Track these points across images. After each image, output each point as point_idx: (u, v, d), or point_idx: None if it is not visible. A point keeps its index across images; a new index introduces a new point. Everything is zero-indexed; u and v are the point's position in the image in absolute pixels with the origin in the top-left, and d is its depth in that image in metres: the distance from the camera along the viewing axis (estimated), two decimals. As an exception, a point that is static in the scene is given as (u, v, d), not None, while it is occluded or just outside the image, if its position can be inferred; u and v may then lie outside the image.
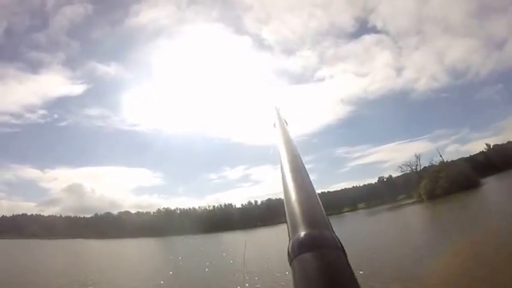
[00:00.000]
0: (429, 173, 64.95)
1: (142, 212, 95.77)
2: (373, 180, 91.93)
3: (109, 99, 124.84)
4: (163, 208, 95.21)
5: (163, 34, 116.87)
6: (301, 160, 0.89)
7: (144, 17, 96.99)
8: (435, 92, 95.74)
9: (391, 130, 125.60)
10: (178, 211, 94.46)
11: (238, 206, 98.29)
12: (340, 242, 0.57)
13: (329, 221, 0.63)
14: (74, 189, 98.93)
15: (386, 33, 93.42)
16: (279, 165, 0.75)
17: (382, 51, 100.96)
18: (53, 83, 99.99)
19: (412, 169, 72.74)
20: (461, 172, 59.09)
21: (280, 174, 0.84)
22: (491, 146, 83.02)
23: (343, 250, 0.57)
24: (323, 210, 0.67)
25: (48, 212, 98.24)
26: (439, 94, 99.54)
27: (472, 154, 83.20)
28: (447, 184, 56.98)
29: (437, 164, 68.34)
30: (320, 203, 0.70)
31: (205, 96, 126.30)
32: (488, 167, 68.68)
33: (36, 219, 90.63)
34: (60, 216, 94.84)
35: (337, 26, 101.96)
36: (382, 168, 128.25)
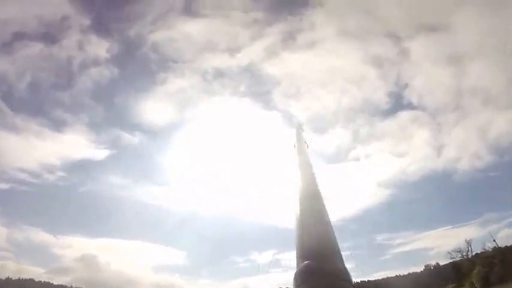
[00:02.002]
0: (482, 259, 59.16)
1: None
2: (419, 268, 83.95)
3: (133, 169, 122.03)
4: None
5: (190, 104, 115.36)
6: (317, 187, 0.87)
7: (171, 85, 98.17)
8: (480, 171, 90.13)
9: (435, 215, 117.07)
10: None
11: None
12: (350, 276, 0.54)
13: (341, 254, 0.59)
14: (87, 260, 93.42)
15: (423, 109, 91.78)
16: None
17: (419, 128, 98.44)
18: (75, 145, 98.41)
19: (462, 255, 66.52)
20: None
21: (295, 198, 0.83)
22: None
23: (352, 284, 0.55)
24: (337, 241, 0.64)
25: (57, 280, 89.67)
26: (484, 173, 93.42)
27: None
28: (503, 271, 51.33)
29: (490, 249, 62.51)
30: (334, 233, 0.67)
31: (233, 174, 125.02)
32: None
33: (44, 286, 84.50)
34: (71, 287, 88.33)
35: (371, 102, 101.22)
36: (427, 255, 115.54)
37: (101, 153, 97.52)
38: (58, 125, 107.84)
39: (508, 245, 66.02)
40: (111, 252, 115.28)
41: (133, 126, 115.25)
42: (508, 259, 53.08)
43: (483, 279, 53.61)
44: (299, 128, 2.34)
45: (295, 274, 0.40)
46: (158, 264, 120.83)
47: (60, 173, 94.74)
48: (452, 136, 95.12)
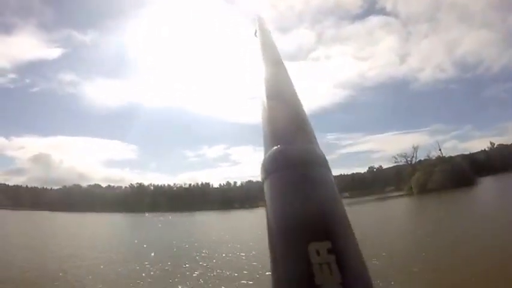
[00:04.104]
0: (424, 166, 60.49)
1: (114, 186, 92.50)
2: (363, 169, 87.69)
3: (85, 66, 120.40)
4: (136, 183, 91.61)
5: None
6: (285, 70, 0.78)
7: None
8: (440, 83, 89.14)
9: (388, 119, 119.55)
10: (152, 187, 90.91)
11: (216, 185, 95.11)
12: (327, 160, 0.50)
13: (315, 137, 0.55)
14: (41, 160, 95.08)
15: (396, 16, 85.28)
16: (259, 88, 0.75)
17: (388, 35, 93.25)
18: (27, 46, 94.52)
19: (407, 160, 68.07)
20: (458, 168, 55.40)
21: (258, 82, 0.73)
22: (495, 145, 78.88)
23: (330, 169, 0.50)
24: (310, 123, 0.59)
25: (13, 181, 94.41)
26: (444, 85, 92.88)
27: (471, 152, 79.24)
28: (441, 179, 52.67)
29: (434, 158, 64.00)
30: (307, 116, 0.60)
31: (189, 69, 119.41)
32: (488, 167, 65.37)
33: (1, 188, 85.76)
34: (26, 186, 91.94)
35: (343, 5, 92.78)
36: (373, 158, 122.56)
37: (53, 52, 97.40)
38: (8, 28, 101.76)
39: (453, 155, 69.33)
40: (63, 150, 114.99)
41: (86, 25, 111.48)
42: (447, 169, 54.33)
43: (421, 186, 54.90)
44: (261, 19, 1.17)
45: (262, 164, 0.34)
46: (109, 159, 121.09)
47: (12, 75, 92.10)
48: (419, 46, 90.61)
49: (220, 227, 39.81)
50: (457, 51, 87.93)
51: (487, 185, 48.24)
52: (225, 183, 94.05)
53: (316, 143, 0.53)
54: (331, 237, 0.40)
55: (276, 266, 0.40)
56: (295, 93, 0.65)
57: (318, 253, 0.38)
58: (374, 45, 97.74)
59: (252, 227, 34.86)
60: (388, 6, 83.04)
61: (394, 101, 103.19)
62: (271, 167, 0.48)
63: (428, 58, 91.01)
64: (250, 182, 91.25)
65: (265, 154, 0.51)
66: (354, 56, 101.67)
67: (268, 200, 0.46)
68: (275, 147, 0.50)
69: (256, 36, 1.12)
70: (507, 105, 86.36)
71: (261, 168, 0.50)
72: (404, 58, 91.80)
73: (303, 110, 0.60)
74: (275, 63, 0.79)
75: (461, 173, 53.91)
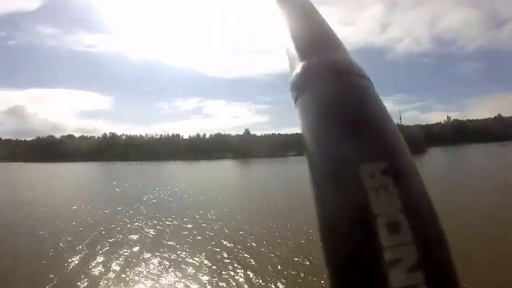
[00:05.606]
0: None
1: (87, 136, 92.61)
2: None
3: (66, 17, 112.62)
4: (110, 133, 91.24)
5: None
6: None
7: None
8: (415, 55, 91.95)
9: None
10: (124, 137, 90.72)
11: (186, 137, 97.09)
12: (365, 71, 0.43)
13: (346, 48, 0.47)
14: (15, 112, 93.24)
15: None
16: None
17: (375, 3, 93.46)
18: None
19: (367, 125, 72.42)
20: (411, 137, 60.72)
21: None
22: (451, 120, 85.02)
23: (371, 80, 0.43)
24: (336, 34, 0.50)
25: None
26: (418, 58, 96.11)
27: (429, 123, 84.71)
28: None
29: None
30: (331, 27, 0.51)
31: (170, 21, 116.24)
32: (440, 138, 71.30)
33: None
34: (1, 139, 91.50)
35: None
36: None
37: (32, 3, 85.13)
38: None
39: (411, 124, 74.98)
40: (39, 102, 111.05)
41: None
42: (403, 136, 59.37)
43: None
44: None
45: (292, 83, 0.29)
46: (84, 110, 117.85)
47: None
48: (403, 18, 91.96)
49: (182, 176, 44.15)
50: (438, 27, 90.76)
51: (434, 155, 53.87)
52: (194, 135, 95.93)
53: (349, 54, 0.45)
54: (385, 158, 0.33)
55: (322, 195, 0.33)
56: (314, 7, 0.56)
57: (372, 176, 0.31)
58: (360, 11, 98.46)
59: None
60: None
61: (368, 67, 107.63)
62: (304, 83, 0.40)
63: (408, 30, 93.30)
64: (218, 134, 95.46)
65: (295, 68, 0.43)
66: (338, 19, 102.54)
67: (305, 121, 0.38)
68: (305, 61, 0.42)
69: None
70: (472, 84, 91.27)
71: (291, 87, 0.42)
72: (386, 27, 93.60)
73: (325, 21, 0.52)
74: None
75: (414, 142, 57.70)
